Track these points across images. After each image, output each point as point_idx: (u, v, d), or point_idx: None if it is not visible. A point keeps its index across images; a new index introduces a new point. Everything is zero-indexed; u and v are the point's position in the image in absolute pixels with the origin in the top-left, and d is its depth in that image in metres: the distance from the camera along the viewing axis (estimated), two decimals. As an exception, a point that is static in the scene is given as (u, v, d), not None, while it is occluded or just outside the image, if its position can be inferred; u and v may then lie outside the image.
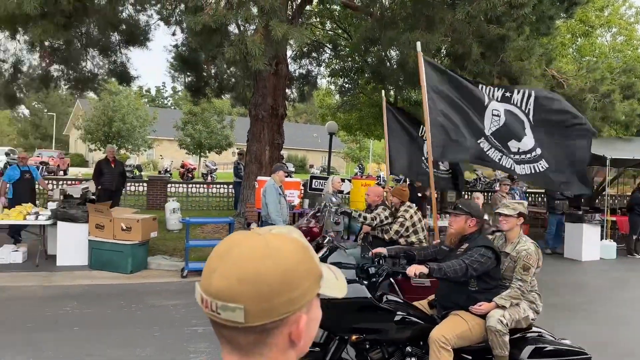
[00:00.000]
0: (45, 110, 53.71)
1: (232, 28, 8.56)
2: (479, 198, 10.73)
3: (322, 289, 0.82)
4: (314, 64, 15.22)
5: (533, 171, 6.01)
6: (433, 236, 6.62)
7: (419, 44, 6.00)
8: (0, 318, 5.61)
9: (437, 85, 5.90)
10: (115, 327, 5.40)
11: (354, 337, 3.26)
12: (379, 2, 9.46)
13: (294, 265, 0.77)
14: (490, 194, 16.99)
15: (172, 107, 58.02)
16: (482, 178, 25.86)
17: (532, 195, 17.65)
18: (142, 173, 26.65)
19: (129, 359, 4.58)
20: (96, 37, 10.76)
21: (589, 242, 10.48)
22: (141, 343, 4.94)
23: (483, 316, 3.49)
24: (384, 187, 8.43)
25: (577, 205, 11.77)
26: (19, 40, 10.15)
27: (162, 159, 37.88)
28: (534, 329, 3.70)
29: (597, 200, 15.08)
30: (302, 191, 11.83)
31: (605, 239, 11.04)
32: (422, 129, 7.63)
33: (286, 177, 7.71)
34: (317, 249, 4.05)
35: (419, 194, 10.42)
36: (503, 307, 3.47)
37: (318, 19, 15.17)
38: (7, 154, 25.11)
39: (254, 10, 7.24)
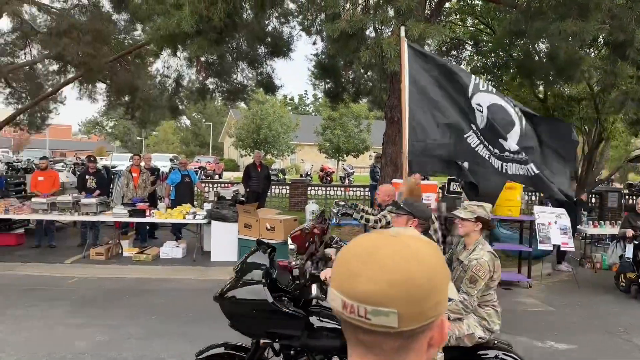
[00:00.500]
0: (204, 120, 60.11)
1: (369, 32, 8.62)
2: None
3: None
4: (454, 62, 14.67)
5: (525, 173, 5.05)
6: None
7: (402, 28, 4.98)
8: (162, 307, 6.35)
9: (420, 75, 4.96)
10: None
11: (262, 342, 3.15)
12: (524, -9, 8.76)
13: (437, 267, 0.75)
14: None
15: (313, 114, 60.61)
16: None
17: None
18: (286, 177, 28.27)
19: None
20: (245, 50, 11.66)
21: None
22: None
23: None
24: None
25: None
26: (179, 57, 11.46)
27: (303, 163, 39.91)
28: (496, 352, 3.21)
29: None
30: (440, 194, 11.45)
31: None
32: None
33: (422, 179, 7.50)
34: (325, 248, 3.99)
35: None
36: None
37: (458, 16, 14.64)
38: (171, 160, 28.53)
39: (391, 12, 7.20)
